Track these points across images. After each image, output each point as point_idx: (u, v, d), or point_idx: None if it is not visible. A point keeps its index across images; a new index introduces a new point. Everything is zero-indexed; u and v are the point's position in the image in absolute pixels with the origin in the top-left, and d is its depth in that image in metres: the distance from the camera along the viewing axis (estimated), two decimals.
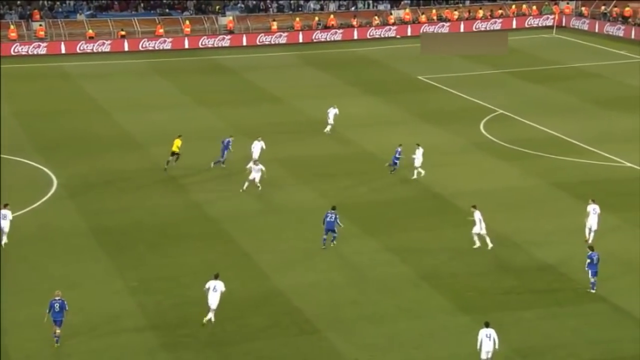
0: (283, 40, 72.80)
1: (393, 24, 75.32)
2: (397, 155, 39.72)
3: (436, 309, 28.08)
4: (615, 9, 74.68)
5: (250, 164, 38.21)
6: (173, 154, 40.05)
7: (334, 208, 32.35)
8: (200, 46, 70.87)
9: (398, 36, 74.62)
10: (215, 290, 26.76)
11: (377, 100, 54.02)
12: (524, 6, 78.14)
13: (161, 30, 70.91)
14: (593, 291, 28.62)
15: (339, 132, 46.64)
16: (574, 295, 28.54)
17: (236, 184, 39.11)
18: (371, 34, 74.46)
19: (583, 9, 76.93)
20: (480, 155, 42.98)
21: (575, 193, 37.37)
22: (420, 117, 49.81)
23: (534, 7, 77.96)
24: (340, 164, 42.17)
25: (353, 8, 77.48)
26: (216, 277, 27.09)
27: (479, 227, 31.62)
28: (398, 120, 49.61)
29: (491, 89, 55.69)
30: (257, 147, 39.92)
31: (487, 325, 24.70)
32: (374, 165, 41.65)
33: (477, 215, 31.82)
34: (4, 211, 32.24)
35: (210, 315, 26.80)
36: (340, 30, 74.03)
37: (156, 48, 69.69)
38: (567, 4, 78.00)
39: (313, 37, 73.49)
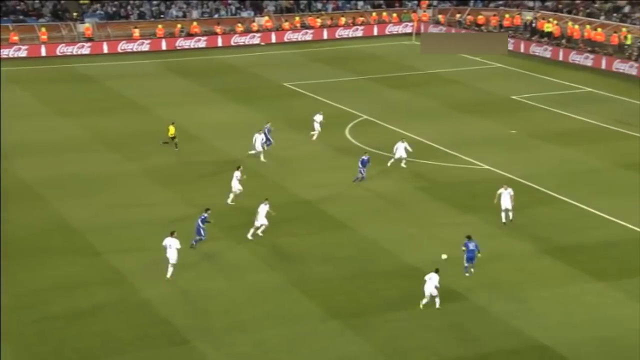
0: (145, 47, 71.71)
1: (257, 32, 75.52)
2: (361, 166, 39.18)
3: (306, 314, 28.28)
4: (469, 16, 77.48)
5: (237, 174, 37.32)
6: (172, 138, 43.92)
7: (207, 210, 32.67)
8: (59, 54, 68.90)
9: (262, 43, 74.86)
10: (170, 247, 29.74)
11: (242, 108, 53.99)
12: (385, 14, 79.95)
13: (15, 38, 68.46)
14: (466, 274, 30.26)
15: (205, 139, 46.34)
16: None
17: (100, 194, 38.25)
18: (235, 41, 74.39)
19: (440, 16, 79.38)
20: (345, 161, 43.62)
21: (437, 196, 38.48)
22: (286, 123, 50.10)
23: (394, 15, 79.88)
24: (208, 171, 41.90)
25: (216, 15, 77.18)
26: (172, 234, 29.93)
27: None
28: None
29: (355, 95, 56.65)
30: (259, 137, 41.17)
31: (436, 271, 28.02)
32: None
33: None
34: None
35: (169, 271, 29.71)
36: (204, 38, 73.60)
37: (10, 56, 67.22)
38: (425, 12, 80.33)
39: (176, 45, 72.74)
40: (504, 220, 34.84)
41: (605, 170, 41.86)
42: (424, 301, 28.13)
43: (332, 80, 61.39)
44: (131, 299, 29.24)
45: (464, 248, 30.45)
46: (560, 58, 66.35)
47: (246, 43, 74.39)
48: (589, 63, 64.36)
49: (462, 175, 41.28)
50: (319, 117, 46.78)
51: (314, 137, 46.20)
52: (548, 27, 70.02)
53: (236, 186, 37.19)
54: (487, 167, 42.39)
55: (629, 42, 65.08)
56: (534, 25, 72.41)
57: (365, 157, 39.37)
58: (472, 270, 30.68)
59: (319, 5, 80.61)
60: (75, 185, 39.87)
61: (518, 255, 32.41)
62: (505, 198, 34.68)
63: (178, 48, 72.48)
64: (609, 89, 57.17)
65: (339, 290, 29.89)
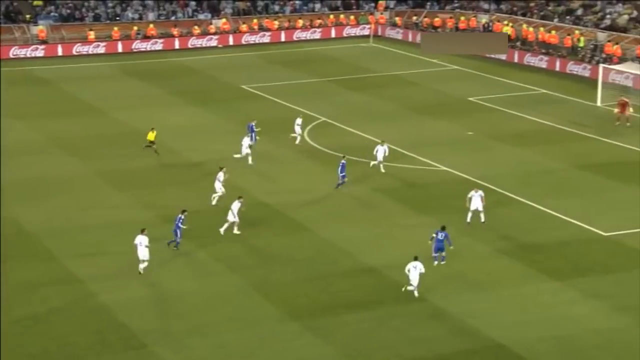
0: (101, 50, 71.08)
1: (214, 34, 75.26)
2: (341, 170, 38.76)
3: (266, 317, 28.24)
4: (426, 19, 78.01)
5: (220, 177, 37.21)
6: (151, 143, 43.50)
7: (183, 211, 32.77)
8: (12, 56, 68.02)
9: (220, 45, 74.61)
10: (141, 245, 30.43)
11: (201, 110, 53.76)
12: (342, 16, 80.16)
13: None
14: (435, 263, 31.07)
15: (162, 142, 46.03)
16: (397, 296, 29.49)
17: (55, 198, 37.84)
18: (192, 43, 74.04)
19: (397, 19, 79.81)
20: (305, 163, 43.67)
21: (396, 197, 38.69)
22: (244, 126, 49.99)
23: (352, 17, 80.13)
24: (166, 174, 41.67)
25: (173, 17, 76.76)
26: (142, 232, 30.63)
27: None
28: (222, 130, 49.59)
29: (313, 97, 56.71)
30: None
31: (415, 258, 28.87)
32: (199, 175, 41.40)
33: None
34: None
35: (142, 267, 30.36)
36: (161, 40, 73.14)
37: None
38: (382, 14, 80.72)
39: (133, 47, 72.19)
40: (468, 220, 35.13)
41: (561, 170, 42.43)
42: (410, 288, 28.93)
43: (291, 83, 61.40)
44: (88, 303, 28.96)
45: (433, 235, 31.31)
46: (516, 60, 67.10)
47: (203, 45, 74.07)
48: (544, 65, 65.19)
49: (420, 177, 41.55)
50: (299, 120, 46.79)
51: (297, 141, 46.01)
52: (505, 29, 70.78)
53: (220, 187, 37.06)
54: (445, 168, 42.72)
55: (581, 44, 66.05)
56: (489, 28, 73.17)
57: (344, 162, 39.10)
58: (442, 262, 31.24)
59: (277, 8, 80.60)
60: (30, 188, 39.38)
61: (476, 256, 32.72)
62: (476, 200, 35.09)
63: (134, 50, 71.94)
64: (563, 91, 57.97)
65: (299, 292, 29.91)
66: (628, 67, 56.37)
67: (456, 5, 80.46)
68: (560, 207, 37.10)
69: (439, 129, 49.61)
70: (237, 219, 34.11)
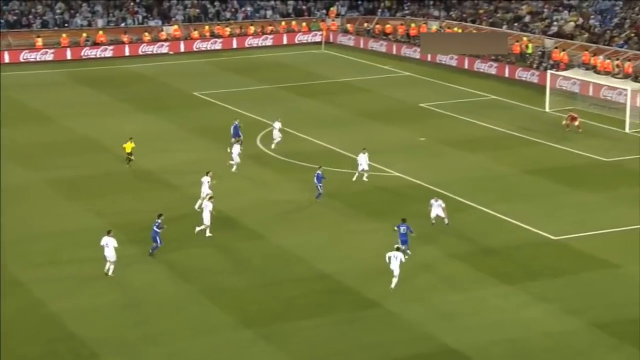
0: (50, 57, 70.29)
1: (165, 41, 74.86)
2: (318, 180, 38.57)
3: (219, 325, 28.15)
4: (378, 26, 78.54)
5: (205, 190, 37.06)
6: (128, 154, 42.18)
7: (160, 216, 32.79)
8: None
9: (171, 52, 74.25)
10: (108, 247, 30.64)
11: (152, 118, 53.41)
12: (294, 23, 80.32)
13: None
14: (408, 253, 32.35)
15: (113, 150, 45.66)
16: (350, 302, 29.61)
17: (4, 207, 37.27)
18: (143, 50, 73.59)
19: (349, 25, 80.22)
20: (257, 170, 43.63)
21: (349, 204, 38.84)
22: (197, 133, 49.84)
23: (304, 24, 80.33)
24: (116, 183, 41.32)
25: (123, 24, 76.18)
26: (109, 234, 30.86)
27: None
28: (174, 137, 49.35)
29: (266, 104, 56.71)
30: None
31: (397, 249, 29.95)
32: (150, 184, 41.14)
33: None
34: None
35: (109, 268, 30.80)
36: (111, 47, 72.56)
37: None
38: (333, 21, 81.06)
39: (82, 54, 71.52)
40: (433, 221, 35.71)
41: (512, 176, 43.00)
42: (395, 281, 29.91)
43: (243, 90, 61.33)
44: (39, 313, 28.59)
45: (395, 229, 32.69)
46: (466, 67, 67.89)
47: (155, 52, 73.65)
48: (493, 71, 66.03)
49: (372, 183, 41.78)
50: (277, 125, 46.78)
51: (273, 146, 46.24)
52: None
53: (206, 191, 36.99)
54: (397, 174, 43.01)
55: (530, 51, 67.07)
56: None
57: (320, 172, 38.98)
58: (408, 252, 32.02)
59: (228, 15, 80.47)
60: None
61: (429, 261, 32.99)
62: (436, 210, 35.56)
63: (84, 57, 71.25)
64: (513, 97, 58.77)
65: (252, 299, 29.86)
66: (575, 74, 57.38)
67: (407, 12, 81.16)
68: (511, 212, 37.61)
69: (391, 136, 49.95)
70: (208, 223, 34.42)
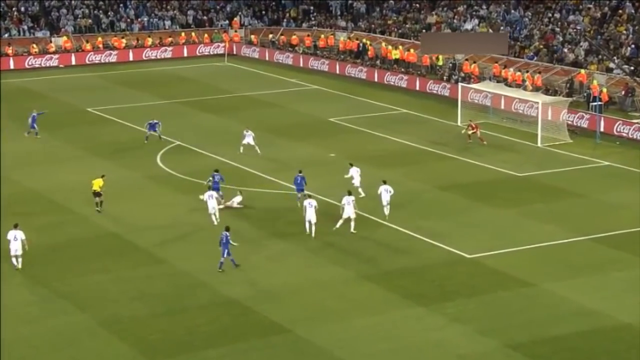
0: None
1: (54, 53, 73.49)
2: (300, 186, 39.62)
3: (117, 357, 27.64)
4: (283, 37, 78.91)
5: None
6: (95, 193, 39.06)
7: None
8: None
9: (61, 65, 72.94)
10: (16, 239, 32.12)
11: (42, 135, 52.24)
12: (194, 34, 79.95)
13: None
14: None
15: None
16: (259, 328, 29.51)
17: None
18: (30, 63, 72.10)
19: (252, 37, 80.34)
20: (158, 189, 43.15)
21: (256, 224, 38.73)
22: (91, 151, 49.00)
23: (205, 35, 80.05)
24: (4, 206, 40.19)
25: (6, 35, 74.40)
26: (15, 227, 32.36)
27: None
28: (67, 156, 48.42)
29: (166, 120, 56.11)
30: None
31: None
32: (42, 206, 40.21)
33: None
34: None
35: (16, 261, 32.15)
36: None
37: None
38: (236, 32, 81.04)
39: None
40: (307, 231, 36.73)
41: (424, 192, 43.64)
42: (339, 224, 32.61)
43: (140, 105, 60.64)
44: None
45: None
46: (376, 79, 68.78)
47: (42, 65, 72.27)
48: (404, 84, 67.05)
49: (280, 201, 41.81)
50: (248, 132, 47.83)
51: (240, 150, 47.83)
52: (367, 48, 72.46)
53: (212, 206, 37.94)
54: (306, 192, 43.11)
55: (440, 62, 68.47)
56: (367, 48, 74.33)
57: (299, 176, 40.09)
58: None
59: (123, 25, 79.55)
60: None
61: (339, 283, 33.15)
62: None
63: None
64: (424, 110, 59.76)
65: (153, 328, 29.44)
66: (486, 86, 58.78)
67: (313, 23, 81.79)
68: (424, 229, 38.15)
69: (299, 152, 50.12)
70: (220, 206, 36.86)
